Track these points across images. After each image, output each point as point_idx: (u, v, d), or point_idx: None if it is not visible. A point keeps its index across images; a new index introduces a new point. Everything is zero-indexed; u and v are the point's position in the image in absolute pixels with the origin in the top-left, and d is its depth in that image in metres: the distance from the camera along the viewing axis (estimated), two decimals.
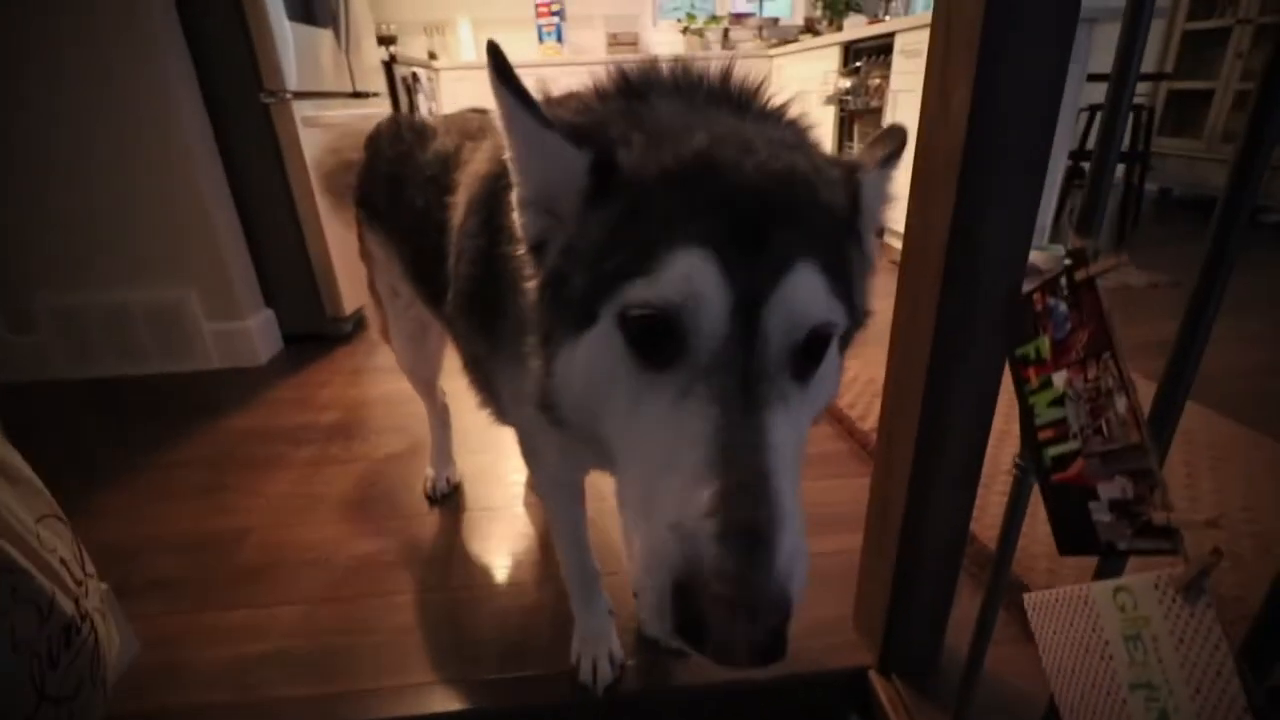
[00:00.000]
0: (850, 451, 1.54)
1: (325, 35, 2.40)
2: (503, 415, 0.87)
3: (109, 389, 2.06)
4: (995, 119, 0.57)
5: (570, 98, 0.63)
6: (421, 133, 1.07)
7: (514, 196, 0.51)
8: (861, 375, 1.80)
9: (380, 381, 2.04)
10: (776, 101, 0.61)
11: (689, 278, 0.40)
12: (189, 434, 1.74)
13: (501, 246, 0.64)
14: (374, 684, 0.99)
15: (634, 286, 0.41)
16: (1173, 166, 4.19)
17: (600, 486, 1.03)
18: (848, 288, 0.46)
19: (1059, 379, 0.56)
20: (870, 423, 1.55)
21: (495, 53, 0.45)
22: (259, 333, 2.23)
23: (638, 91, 0.57)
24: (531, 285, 0.52)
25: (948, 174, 0.61)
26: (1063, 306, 0.55)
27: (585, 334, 0.45)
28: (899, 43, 3.01)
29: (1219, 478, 1.33)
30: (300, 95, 2.13)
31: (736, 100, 0.59)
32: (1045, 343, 0.57)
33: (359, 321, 2.50)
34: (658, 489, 0.39)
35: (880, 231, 0.56)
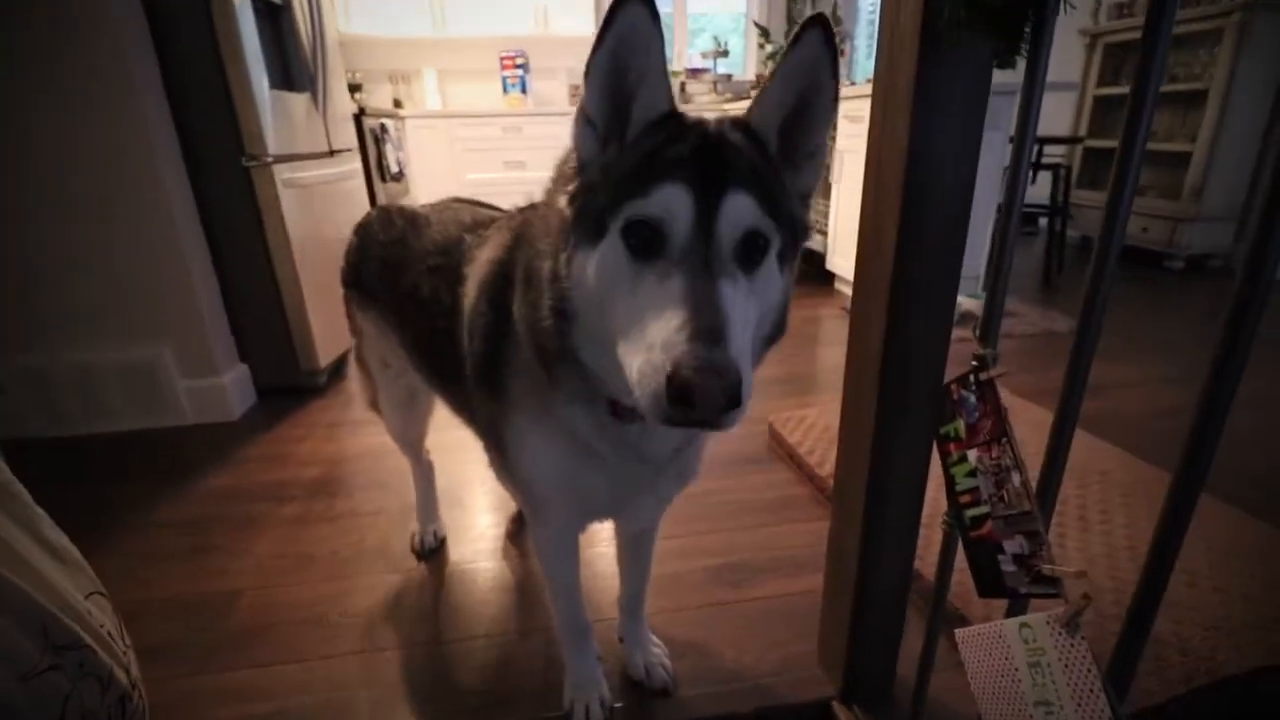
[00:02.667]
0: (810, 496, 1.68)
1: (303, 99, 2.49)
2: (512, 474, 0.94)
3: (81, 447, 2.06)
4: (917, 253, 0.72)
5: None
6: (414, 220, 1.17)
7: (577, 118, 0.68)
8: (819, 422, 1.95)
9: (358, 435, 2.10)
10: None
11: (668, 200, 0.60)
12: (170, 493, 1.76)
13: (506, 321, 0.80)
14: None
15: (633, 205, 0.61)
16: (1092, 217, 4.59)
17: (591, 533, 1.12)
18: (777, 210, 0.64)
19: (972, 455, 0.70)
20: (827, 468, 1.69)
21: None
22: (233, 388, 2.26)
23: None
24: (564, 199, 0.70)
25: (880, 292, 0.76)
26: (972, 398, 0.69)
27: (599, 244, 0.64)
28: (843, 109, 3.27)
29: (1130, 513, 1.51)
30: (280, 159, 2.22)
31: None
32: (960, 425, 0.71)
33: (333, 373, 2.55)
34: (649, 330, 0.57)
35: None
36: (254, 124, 2.12)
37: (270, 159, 2.16)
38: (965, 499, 0.71)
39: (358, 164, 3.09)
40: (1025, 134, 0.63)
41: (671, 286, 0.57)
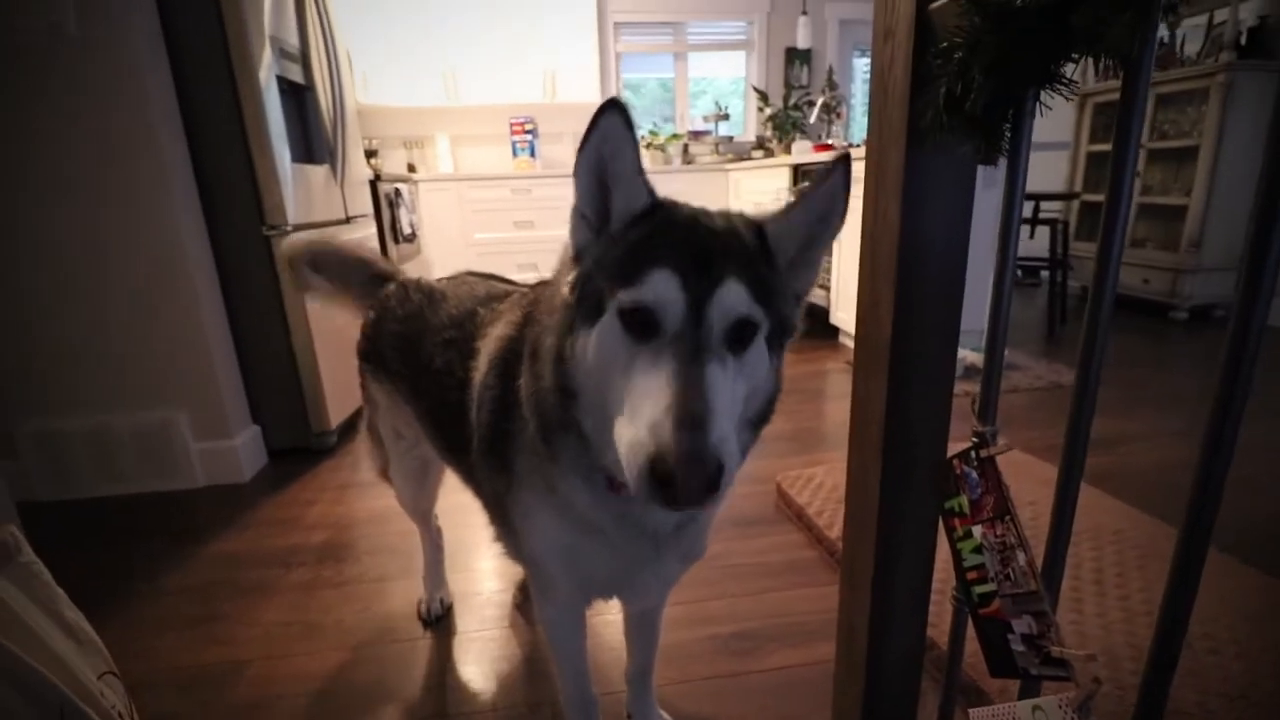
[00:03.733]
0: (819, 559, 1.66)
1: (322, 170, 2.61)
2: (518, 549, 0.96)
3: (92, 510, 2.07)
4: (914, 327, 0.74)
5: None
6: (430, 294, 1.21)
7: (572, 213, 0.73)
8: (827, 481, 1.94)
9: (365, 498, 2.10)
10: None
11: (659, 287, 0.63)
12: (178, 558, 1.76)
13: (514, 394, 0.82)
14: None
15: (628, 291, 0.64)
16: (1091, 267, 4.63)
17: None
18: (769, 302, 0.67)
19: (977, 531, 0.70)
20: (836, 530, 1.68)
21: (621, 108, 0.65)
22: (245, 450, 2.28)
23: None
24: (565, 287, 0.73)
25: (880, 364, 0.78)
26: (974, 474, 0.70)
27: (597, 323, 0.67)
28: None
29: (1145, 575, 1.48)
30: (299, 228, 2.30)
31: None
32: (964, 500, 0.72)
33: (343, 432, 2.57)
34: (640, 409, 0.60)
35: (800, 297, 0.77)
36: (276, 196, 2.21)
37: (290, 228, 2.25)
38: (972, 575, 0.71)
39: (372, 229, 3.20)
40: (1009, 234, 0.67)
41: (662, 368, 0.61)
